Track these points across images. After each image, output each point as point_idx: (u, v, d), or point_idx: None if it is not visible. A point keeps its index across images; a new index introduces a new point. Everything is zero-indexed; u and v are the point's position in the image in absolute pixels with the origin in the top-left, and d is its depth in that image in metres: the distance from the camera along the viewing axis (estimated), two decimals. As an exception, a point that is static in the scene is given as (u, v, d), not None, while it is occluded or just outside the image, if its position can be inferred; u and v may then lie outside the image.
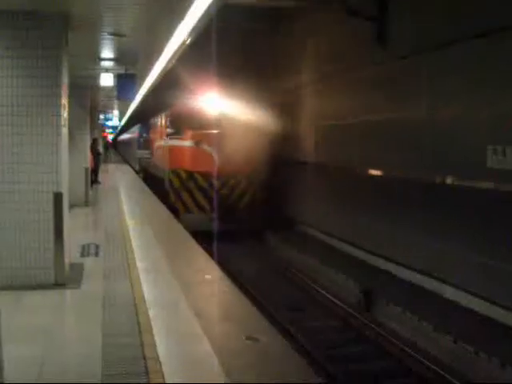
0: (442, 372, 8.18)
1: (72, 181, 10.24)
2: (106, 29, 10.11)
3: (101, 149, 36.82)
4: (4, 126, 8.21)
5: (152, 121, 30.34)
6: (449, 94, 10.62)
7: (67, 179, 8.99)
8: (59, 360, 5.84)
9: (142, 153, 34.81)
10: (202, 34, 9.81)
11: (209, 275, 9.30)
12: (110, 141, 78.67)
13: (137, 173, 37.35)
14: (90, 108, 20.94)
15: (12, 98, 8.27)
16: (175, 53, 11.61)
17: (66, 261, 8.82)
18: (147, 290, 8.30)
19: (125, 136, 66.15)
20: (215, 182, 18.50)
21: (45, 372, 5.50)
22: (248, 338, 6.32)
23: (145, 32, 10.34)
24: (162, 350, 6.02)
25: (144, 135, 35.58)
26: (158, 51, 12.06)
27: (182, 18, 8.76)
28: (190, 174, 18.95)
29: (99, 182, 26.71)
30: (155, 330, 6.61)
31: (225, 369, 5.50)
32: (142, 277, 9.09)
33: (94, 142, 26.62)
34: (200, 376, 5.43)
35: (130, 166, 45.48)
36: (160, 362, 5.68)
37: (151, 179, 27.43)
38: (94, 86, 18.31)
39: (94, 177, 24.65)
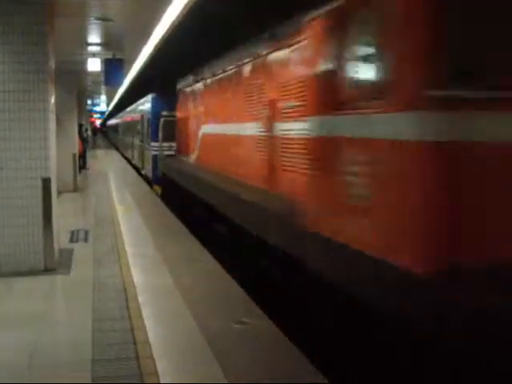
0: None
1: (60, 166, 10.23)
2: (92, 13, 10.07)
3: (89, 134, 36.61)
4: (-9, 112, 8.18)
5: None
6: None
7: (55, 165, 8.97)
8: (50, 345, 5.85)
9: (168, 147, 18.66)
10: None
11: (197, 258, 9.32)
12: (98, 126, 78.41)
13: (149, 182, 21.93)
14: (77, 93, 20.85)
15: (-1, 84, 8.24)
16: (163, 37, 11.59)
17: (56, 246, 8.83)
18: (137, 275, 8.33)
19: (118, 119, 49.29)
20: None
21: (35, 357, 5.51)
22: (237, 322, 6.37)
23: (132, 16, 10.30)
24: (152, 334, 6.05)
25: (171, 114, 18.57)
26: (146, 35, 12.03)
27: (170, 1, 8.74)
28: None
29: (87, 168, 26.61)
30: (145, 315, 6.64)
31: (214, 352, 5.55)
32: (132, 262, 9.11)
33: (81, 128, 26.50)
34: (190, 359, 5.48)
35: (131, 163, 31.51)
36: (150, 346, 5.72)
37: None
38: (82, 72, 18.23)
39: (81, 162, 24.52)
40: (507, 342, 3.51)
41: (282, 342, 5.88)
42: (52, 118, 8.71)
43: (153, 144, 20.61)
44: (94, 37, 12.61)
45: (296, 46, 6.84)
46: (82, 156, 25.11)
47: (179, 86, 15.84)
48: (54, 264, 8.58)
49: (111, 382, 4.94)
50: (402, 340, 4.62)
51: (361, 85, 5.19)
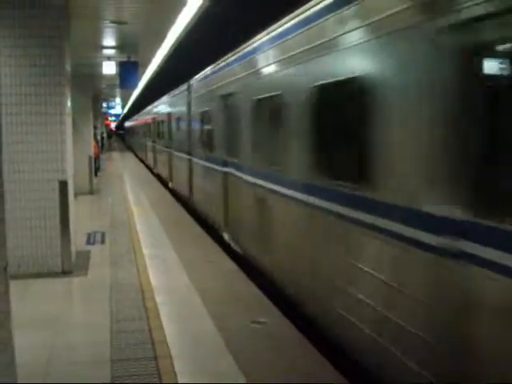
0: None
1: (76, 169, 10.30)
2: (107, 17, 10.13)
3: (104, 136, 36.60)
4: (9, 116, 8.23)
5: None
6: None
7: (72, 167, 9.04)
8: (68, 346, 5.90)
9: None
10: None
11: (214, 259, 9.35)
12: (114, 129, 78.59)
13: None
14: (92, 96, 20.94)
15: (16, 88, 8.30)
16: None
17: (73, 249, 8.89)
18: (154, 276, 8.37)
19: (136, 121, 43.15)
20: None
21: (54, 358, 5.56)
22: (253, 321, 6.38)
23: (146, 19, 10.34)
24: (169, 334, 6.09)
25: None
26: (160, 38, 12.06)
27: (184, 4, 8.77)
28: None
29: (102, 170, 26.67)
30: (162, 315, 6.68)
31: (232, 352, 5.57)
32: (149, 263, 9.15)
33: (95, 130, 26.58)
34: (208, 359, 5.50)
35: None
36: (168, 346, 5.75)
37: None
38: (97, 75, 18.30)
39: (96, 165, 24.56)
40: None
41: (300, 341, 5.89)
42: (68, 121, 8.77)
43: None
44: (108, 40, 12.67)
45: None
46: (96, 159, 25.16)
47: None
48: (71, 266, 8.63)
49: (130, 382, 4.97)
50: None
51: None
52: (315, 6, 6.22)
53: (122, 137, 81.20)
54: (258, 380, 5.00)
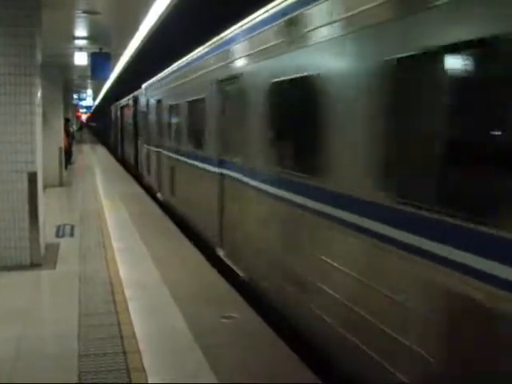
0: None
1: (46, 161, 10.17)
2: (79, 6, 10.00)
3: (74, 128, 36.18)
4: (-23, 106, 8.11)
5: None
6: None
7: (41, 159, 8.92)
8: (36, 340, 5.82)
9: None
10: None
11: (183, 254, 9.31)
12: (85, 120, 77.78)
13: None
14: (63, 87, 20.70)
15: (-15, 77, 8.17)
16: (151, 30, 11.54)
17: (42, 241, 8.79)
18: (123, 270, 8.31)
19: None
20: None
21: (21, 352, 5.49)
22: (223, 316, 6.37)
23: (119, 9, 10.24)
24: (138, 328, 6.05)
25: None
26: (133, 29, 11.96)
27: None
28: None
29: (72, 163, 26.40)
30: (131, 309, 6.63)
31: (201, 346, 5.55)
32: (118, 256, 9.09)
33: (67, 122, 26.25)
34: (176, 353, 5.47)
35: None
36: (137, 341, 5.71)
37: None
38: (68, 65, 18.11)
39: (67, 157, 24.31)
40: None
41: (270, 336, 5.89)
42: (38, 111, 8.65)
43: None
44: (80, 30, 12.52)
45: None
46: (68, 151, 24.89)
47: None
48: (40, 259, 8.54)
49: (98, 377, 4.93)
50: None
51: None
52: None
53: (94, 130, 79.46)
54: (228, 375, 4.99)
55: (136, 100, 22.25)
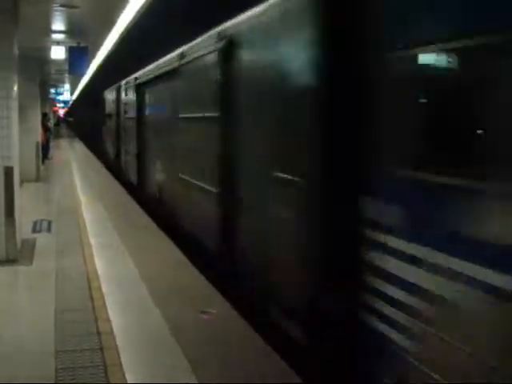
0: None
1: (22, 155, 10.07)
2: (57, 0, 9.92)
3: (52, 123, 35.88)
4: (-48, 99, 8.01)
5: None
6: None
7: (18, 154, 8.83)
8: (11, 336, 5.77)
9: None
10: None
11: (161, 249, 9.29)
12: (62, 116, 77.03)
13: None
14: (40, 81, 20.53)
15: (-40, 70, 8.08)
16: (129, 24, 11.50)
17: (18, 237, 8.71)
18: (100, 266, 8.26)
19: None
20: None
21: (-3, 348, 5.45)
22: (201, 312, 6.36)
23: (97, 3, 10.19)
24: (116, 324, 6.02)
25: None
26: (111, 24, 11.90)
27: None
28: None
29: (49, 158, 26.19)
30: (109, 305, 6.59)
31: (179, 342, 5.54)
32: (95, 252, 9.03)
33: (45, 117, 26.04)
34: (154, 349, 5.46)
35: None
36: (114, 337, 5.68)
37: None
38: (45, 59, 17.96)
39: (44, 152, 24.12)
40: None
41: (248, 332, 5.90)
42: (15, 105, 8.57)
43: None
44: (58, 24, 12.43)
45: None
46: (46, 146, 24.70)
47: None
48: (16, 255, 8.47)
49: (75, 373, 4.90)
50: None
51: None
52: None
53: (72, 125, 78.30)
54: (205, 371, 4.98)
55: None
